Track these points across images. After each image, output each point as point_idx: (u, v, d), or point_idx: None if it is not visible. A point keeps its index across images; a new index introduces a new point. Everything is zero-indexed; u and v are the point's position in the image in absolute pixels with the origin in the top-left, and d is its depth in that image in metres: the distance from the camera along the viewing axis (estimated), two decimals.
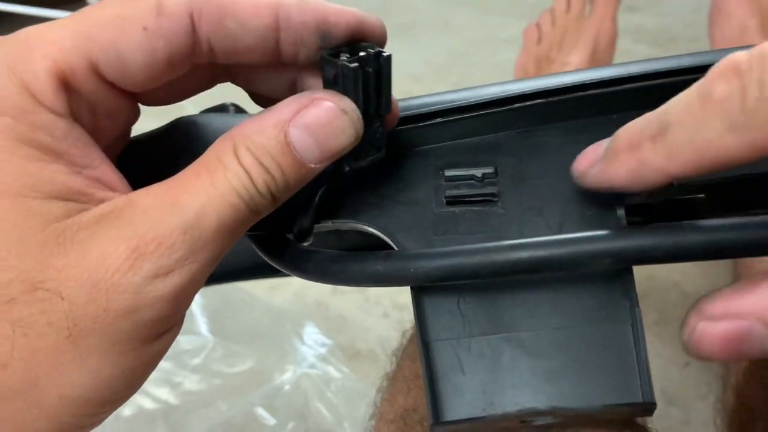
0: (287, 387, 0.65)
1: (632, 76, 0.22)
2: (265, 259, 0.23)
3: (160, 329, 0.18)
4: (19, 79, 0.17)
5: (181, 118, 0.24)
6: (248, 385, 0.65)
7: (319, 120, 0.19)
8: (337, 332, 0.70)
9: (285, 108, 0.19)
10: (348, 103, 0.19)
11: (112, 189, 0.19)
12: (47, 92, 0.17)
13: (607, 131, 0.23)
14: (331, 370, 0.66)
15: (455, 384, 0.21)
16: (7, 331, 0.16)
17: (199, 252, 0.18)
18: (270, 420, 0.62)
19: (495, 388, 0.21)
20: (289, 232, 0.23)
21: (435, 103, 0.23)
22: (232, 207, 0.18)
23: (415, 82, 0.95)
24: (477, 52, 0.98)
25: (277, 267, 0.23)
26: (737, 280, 0.59)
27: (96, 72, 0.18)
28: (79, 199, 0.18)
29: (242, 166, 0.18)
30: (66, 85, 0.17)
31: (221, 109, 0.26)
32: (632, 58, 0.88)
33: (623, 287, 0.22)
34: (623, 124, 0.23)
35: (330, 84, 0.20)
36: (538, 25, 0.82)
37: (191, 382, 0.66)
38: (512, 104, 0.23)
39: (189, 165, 0.19)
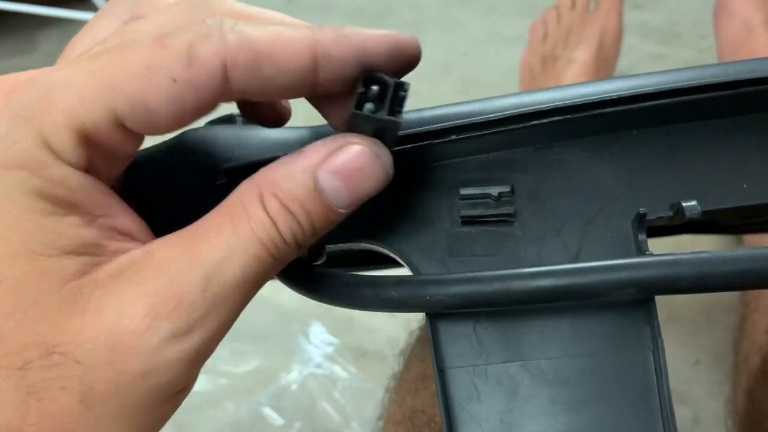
0: (294, 387, 0.65)
1: (652, 93, 0.22)
2: (276, 278, 0.23)
3: (175, 389, 0.18)
4: (37, 131, 0.16)
5: (186, 131, 0.23)
6: (255, 385, 0.65)
7: (351, 165, 0.18)
8: (343, 332, 0.70)
9: (315, 153, 0.18)
10: (381, 148, 0.19)
11: (130, 237, 0.18)
12: (66, 147, 0.16)
13: (627, 147, 0.22)
14: (338, 370, 0.66)
15: (472, 413, 0.21)
16: (21, 397, 0.16)
17: (219, 309, 0.17)
18: (277, 420, 0.62)
19: (513, 418, 0.21)
20: None
21: (449, 117, 0.22)
22: (255, 259, 0.17)
23: (420, 80, 0.95)
24: (482, 51, 0.98)
25: (288, 287, 0.23)
26: None
27: (119, 124, 0.16)
28: (93, 252, 0.17)
29: (268, 214, 0.17)
30: (86, 139, 0.16)
31: (228, 120, 0.25)
32: (639, 55, 0.87)
33: (645, 314, 0.21)
34: (644, 140, 0.23)
35: (360, 128, 0.19)
36: (543, 22, 0.82)
37: (197, 382, 0.65)
38: (529, 121, 0.22)
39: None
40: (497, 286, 0.20)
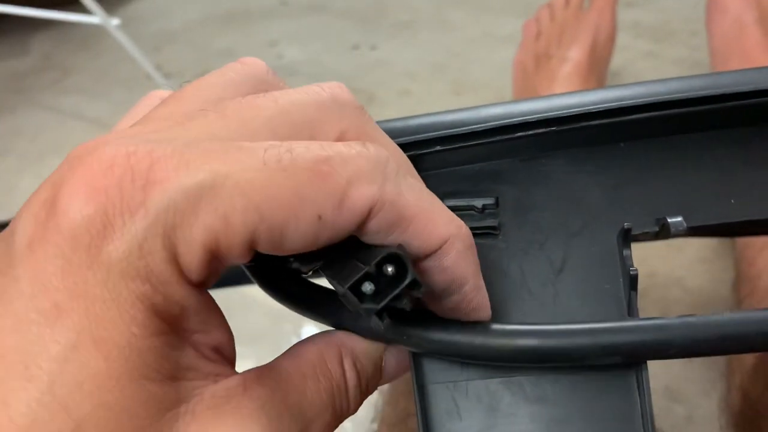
0: None
1: (639, 105, 0.21)
2: (261, 288, 0.22)
3: None
4: (171, 244, 0.15)
5: None
6: None
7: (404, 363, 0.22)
8: None
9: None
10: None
11: (221, 355, 0.17)
12: (194, 266, 0.15)
13: (613, 160, 0.22)
14: None
15: (451, 430, 0.21)
16: None
17: None
18: None
19: None
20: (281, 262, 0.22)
21: (435, 126, 0.22)
22: (331, 415, 0.19)
23: (413, 81, 0.95)
24: (475, 50, 0.97)
25: (274, 299, 0.22)
26: (739, 276, 0.59)
27: (250, 247, 0.16)
28: (190, 377, 0.16)
29: (343, 373, 0.20)
30: (214, 258, 0.15)
31: None
32: (631, 53, 0.86)
33: None
34: (630, 153, 0.22)
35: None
36: (536, 20, 0.82)
37: None
38: (515, 133, 0.22)
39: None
40: (480, 340, 0.19)
